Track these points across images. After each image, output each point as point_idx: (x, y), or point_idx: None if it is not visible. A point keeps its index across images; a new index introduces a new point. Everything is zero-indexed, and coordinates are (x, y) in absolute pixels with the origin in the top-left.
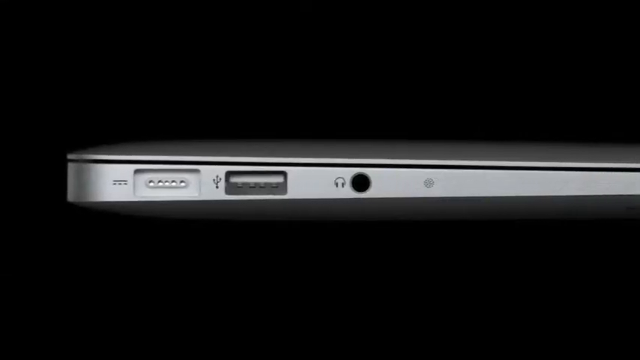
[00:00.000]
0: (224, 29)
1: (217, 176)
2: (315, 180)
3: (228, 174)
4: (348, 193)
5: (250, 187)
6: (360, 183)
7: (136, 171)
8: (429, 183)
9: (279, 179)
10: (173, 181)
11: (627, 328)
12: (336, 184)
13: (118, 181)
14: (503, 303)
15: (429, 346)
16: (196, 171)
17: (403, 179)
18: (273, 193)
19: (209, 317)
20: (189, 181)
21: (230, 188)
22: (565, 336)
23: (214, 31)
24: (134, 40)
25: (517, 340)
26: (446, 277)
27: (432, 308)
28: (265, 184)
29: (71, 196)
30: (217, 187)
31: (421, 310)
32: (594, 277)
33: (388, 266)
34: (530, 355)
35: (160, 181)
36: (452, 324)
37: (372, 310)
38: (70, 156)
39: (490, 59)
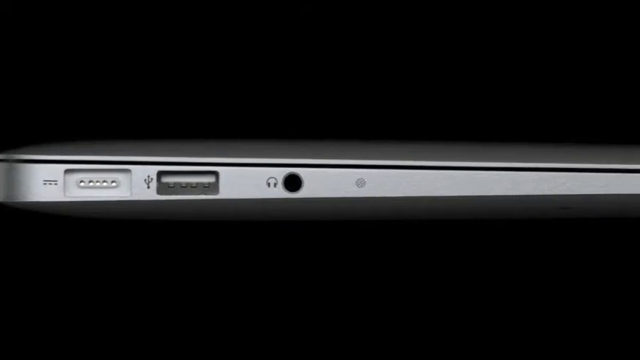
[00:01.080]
0: (146, 27)
1: (149, 176)
2: (247, 180)
3: (160, 174)
4: (280, 193)
5: (182, 187)
6: (292, 183)
7: (67, 171)
8: (360, 183)
9: (211, 179)
10: (104, 181)
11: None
12: (268, 184)
13: (48, 181)
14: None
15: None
16: (127, 171)
17: (335, 179)
18: (205, 193)
19: (142, 319)
20: (121, 181)
21: (161, 188)
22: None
23: (138, 30)
24: (63, 38)
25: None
26: (382, 276)
27: (369, 309)
28: (197, 184)
29: (1, 196)
30: (149, 187)
31: (353, 312)
32: (551, 277)
33: (325, 266)
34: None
35: (90, 181)
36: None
37: (310, 311)
38: None
39: (411, 58)
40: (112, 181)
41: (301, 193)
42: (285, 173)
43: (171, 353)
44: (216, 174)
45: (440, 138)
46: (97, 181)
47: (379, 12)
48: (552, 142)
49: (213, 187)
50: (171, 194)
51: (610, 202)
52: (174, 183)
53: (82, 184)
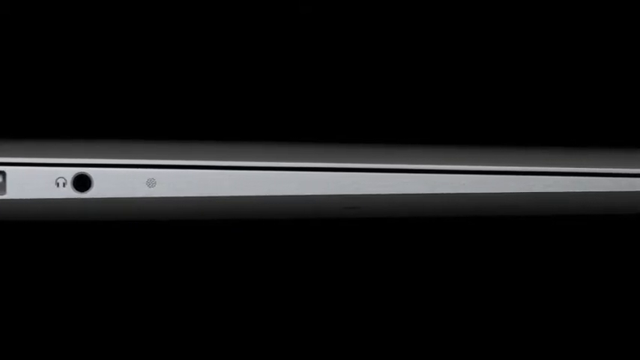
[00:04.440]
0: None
1: None
2: (35, 180)
3: None
4: (69, 193)
5: None
6: (82, 183)
7: None
8: (151, 183)
9: None
10: None
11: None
12: (57, 184)
13: None
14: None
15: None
16: None
17: (125, 179)
18: None
19: None
20: None
21: None
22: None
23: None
24: None
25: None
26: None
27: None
28: None
29: None
30: None
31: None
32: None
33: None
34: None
35: None
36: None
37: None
38: None
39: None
40: None
41: (91, 193)
42: (74, 173)
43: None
44: (3, 174)
45: (231, 138)
46: None
47: (378, 12)
48: (344, 141)
49: (1, 187)
50: None
51: (399, 202)
52: None
53: None
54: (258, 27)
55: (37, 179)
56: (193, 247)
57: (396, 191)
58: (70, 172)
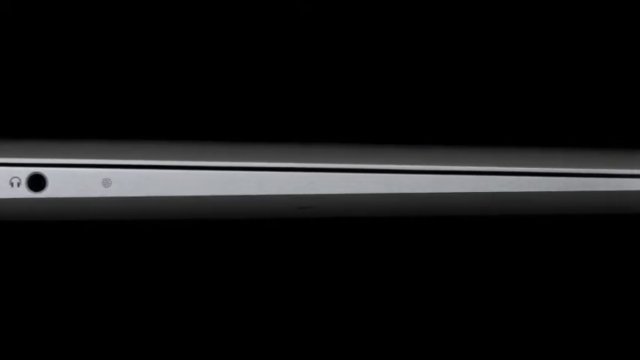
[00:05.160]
0: None
1: None
2: None
3: None
4: (24, 192)
5: None
6: (36, 183)
7: None
8: (106, 183)
9: None
10: None
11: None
12: (12, 184)
13: None
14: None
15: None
16: None
17: (80, 179)
18: None
19: None
20: None
21: None
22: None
23: None
24: None
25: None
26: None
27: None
28: None
29: None
30: None
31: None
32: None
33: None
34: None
35: None
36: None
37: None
38: None
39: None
40: None
41: (46, 193)
42: (28, 173)
43: None
44: None
45: (188, 137)
46: None
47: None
48: (299, 141)
49: None
50: None
51: (353, 201)
52: None
53: None
54: (258, 27)
55: None
56: (149, 246)
57: (351, 191)
58: (25, 172)
